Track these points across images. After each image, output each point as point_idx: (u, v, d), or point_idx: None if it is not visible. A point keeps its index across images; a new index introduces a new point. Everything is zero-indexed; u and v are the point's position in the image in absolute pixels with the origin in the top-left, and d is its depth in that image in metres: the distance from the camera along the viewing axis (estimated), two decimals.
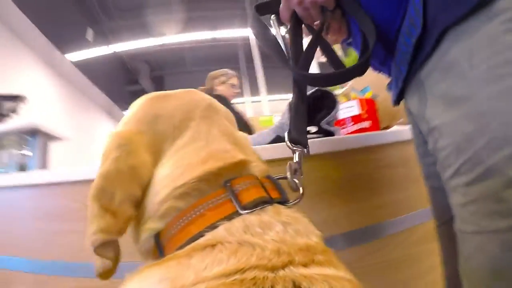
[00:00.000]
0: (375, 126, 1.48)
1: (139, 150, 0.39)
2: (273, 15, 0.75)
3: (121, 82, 9.04)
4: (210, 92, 2.36)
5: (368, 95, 1.69)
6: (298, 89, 0.64)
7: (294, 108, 0.65)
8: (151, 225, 0.37)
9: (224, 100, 2.28)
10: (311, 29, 0.71)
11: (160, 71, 9.16)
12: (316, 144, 0.92)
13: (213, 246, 0.30)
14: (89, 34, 6.95)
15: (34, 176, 1.07)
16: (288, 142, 0.60)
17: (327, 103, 1.06)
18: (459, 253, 0.55)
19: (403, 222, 0.97)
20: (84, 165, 0.99)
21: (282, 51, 0.66)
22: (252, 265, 0.27)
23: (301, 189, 0.48)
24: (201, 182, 0.36)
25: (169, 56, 8.34)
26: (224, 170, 0.38)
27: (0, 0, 5.33)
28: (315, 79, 0.68)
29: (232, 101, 2.42)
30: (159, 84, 9.24)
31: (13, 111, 1.65)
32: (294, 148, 0.59)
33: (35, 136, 1.50)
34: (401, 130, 1.05)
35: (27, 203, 1.07)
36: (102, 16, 6.88)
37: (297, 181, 0.49)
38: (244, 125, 2.06)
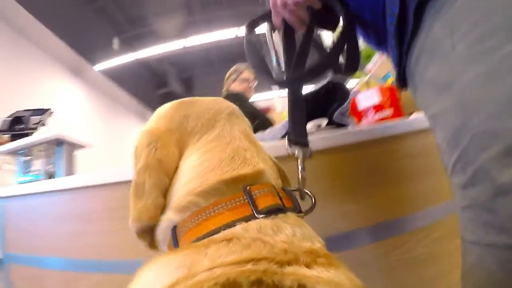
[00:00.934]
0: (398, 114, 1.42)
1: (168, 145, 0.43)
2: (266, 23, 0.75)
3: (150, 86, 9.31)
4: (226, 93, 2.36)
5: (389, 82, 1.63)
6: (291, 91, 0.63)
7: (290, 111, 0.64)
8: (170, 216, 0.39)
9: (237, 97, 2.25)
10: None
11: (188, 72, 9.31)
12: (328, 137, 0.90)
13: (229, 240, 0.32)
14: (115, 43, 7.21)
15: (63, 182, 1.15)
16: (288, 147, 0.60)
17: (340, 95, 1.03)
18: (462, 262, 0.48)
19: (426, 216, 0.92)
20: (109, 170, 1.06)
21: (266, 67, 0.68)
22: (263, 257, 0.29)
23: (313, 199, 0.50)
24: (223, 184, 0.39)
25: (195, 57, 8.44)
26: (245, 177, 0.40)
27: (27, 19, 5.65)
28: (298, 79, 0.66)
29: (250, 97, 2.40)
30: (188, 85, 9.41)
31: (41, 124, 1.79)
32: (296, 151, 0.59)
33: (61, 145, 1.59)
34: (420, 118, 1.00)
35: (58, 207, 1.16)
36: (126, 25, 7.11)
37: (308, 192, 0.51)
38: (263, 121, 2.04)
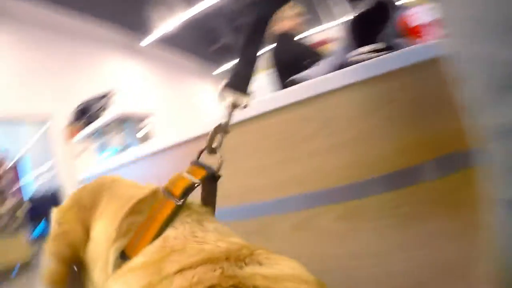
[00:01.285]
0: None
1: (69, 221, 0.49)
2: None
3: (205, 43, 9.35)
4: (274, 34, 2.27)
5: None
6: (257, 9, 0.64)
7: (242, 45, 0.65)
8: (118, 244, 0.42)
9: (282, 39, 2.16)
10: None
11: (239, 20, 9.08)
12: (375, 63, 0.83)
13: (177, 249, 0.37)
14: (160, 9, 7.24)
15: (138, 151, 1.28)
16: (220, 94, 0.63)
17: (385, 15, 0.93)
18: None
19: None
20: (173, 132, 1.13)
21: None
22: (219, 257, 0.33)
23: (219, 156, 0.58)
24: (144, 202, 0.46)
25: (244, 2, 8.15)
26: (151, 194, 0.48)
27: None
28: None
29: (298, 33, 2.29)
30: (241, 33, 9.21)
31: (105, 107, 1.98)
32: (230, 100, 0.62)
33: (126, 121, 1.75)
34: None
35: (136, 173, 1.30)
36: None
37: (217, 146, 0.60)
38: (314, 59, 1.95)
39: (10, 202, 4.51)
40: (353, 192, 0.85)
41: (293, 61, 1.92)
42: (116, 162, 1.38)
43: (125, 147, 1.84)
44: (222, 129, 0.63)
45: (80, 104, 2.16)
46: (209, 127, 0.60)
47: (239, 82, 0.67)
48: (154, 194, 0.47)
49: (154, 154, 1.22)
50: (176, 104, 8.46)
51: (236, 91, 0.66)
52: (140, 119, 1.78)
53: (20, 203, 4.67)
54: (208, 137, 0.61)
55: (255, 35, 0.71)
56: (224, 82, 0.66)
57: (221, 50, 10.01)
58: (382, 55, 0.85)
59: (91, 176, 1.61)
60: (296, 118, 0.91)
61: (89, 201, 0.51)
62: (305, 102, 0.89)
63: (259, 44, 0.71)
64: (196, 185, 0.48)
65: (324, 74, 0.91)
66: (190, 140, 1.08)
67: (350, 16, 1.03)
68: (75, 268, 0.48)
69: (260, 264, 0.33)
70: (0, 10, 5.36)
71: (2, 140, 5.68)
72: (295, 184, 0.92)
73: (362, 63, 0.84)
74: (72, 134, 1.95)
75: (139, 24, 7.27)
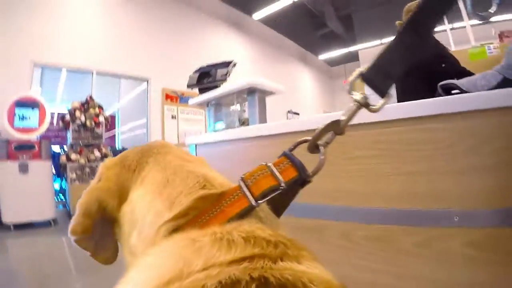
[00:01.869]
0: None
1: (108, 179, 0.49)
2: None
3: (310, 28, 9.27)
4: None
5: None
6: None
7: (403, 25, 0.50)
8: (173, 223, 0.40)
9: None
10: None
11: (346, 10, 8.76)
12: None
13: (219, 239, 0.34)
14: None
15: (253, 129, 1.30)
16: (351, 84, 0.49)
17: None
18: None
19: None
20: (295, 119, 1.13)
21: None
22: (255, 254, 0.31)
23: (321, 156, 0.47)
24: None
25: None
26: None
27: None
28: None
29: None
30: (347, 22, 8.94)
31: (227, 75, 1.98)
32: (355, 98, 0.48)
33: (253, 93, 1.71)
34: None
35: (249, 153, 1.33)
36: None
37: (322, 148, 0.48)
38: (452, 62, 1.74)
39: (103, 149, 5.15)
40: (498, 219, 0.77)
41: (432, 62, 1.75)
42: (227, 136, 1.43)
43: (243, 121, 1.84)
44: (338, 128, 0.50)
45: (198, 70, 2.16)
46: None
47: (380, 77, 0.52)
48: (221, 194, 0.42)
49: (272, 136, 1.24)
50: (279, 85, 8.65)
51: (372, 87, 0.51)
52: (267, 94, 1.72)
53: (110, 152, 5.28)
54: (317, 131, 0.48)
55: (430, 12, 0.53)
56: (359, 70, 0.52)
57: (326, 37, 9.77)
58: None
59: (198, 143, 1.69)
60: (452, 129, 0.84)
61: (134, 162, 0.50)
62: (466, 114, 0.82)
63: (424, 35, 0.53)
64: (281, 188, 0.41)
65: (488, 88, 0.82)
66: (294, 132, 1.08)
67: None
68: (105, 224, 0.49)
69: (298, 262, 0.31)
70: None
71: (105, 91, 6.34)
72: (432, 198, 0.86)
73: None
74: (168, 97, 2.03)
75: (247, 2, 7.46)
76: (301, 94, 10.34)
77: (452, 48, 3.15)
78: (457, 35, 3.85)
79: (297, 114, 9.79)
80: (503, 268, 0.76)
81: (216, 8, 7.63)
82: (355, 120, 0.93)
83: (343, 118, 0.49)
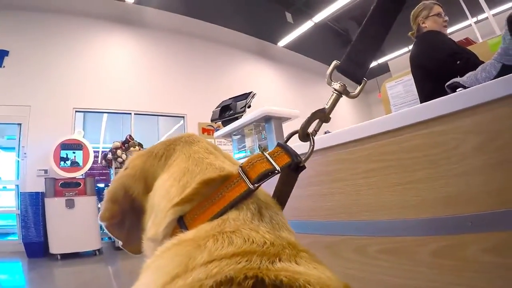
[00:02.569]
0: None
1: (135, 167, 0.51)
2: None
3: (335, 47, 9.30)
4: (419, 32, 2.10)
5: None
6: None
7: (362, 28, 0.54)
8: (179, 208, 0.42)
9: (434, 35, 1.96)
10: None
11: None
12: None
13: (220, 233, 0.36)
14: (288, 17, 7.56)
15: None
16: (328, 76, 0.54)
17: None
18: None
19: None
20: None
21: None
22: (254, 251, 0.33)
23: (310, 143, 0.52)
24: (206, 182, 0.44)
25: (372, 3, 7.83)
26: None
27: (216, 30, 7.15)
28: None
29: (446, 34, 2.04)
30: None
31: (247, 106, 2.08)
32: (334, 87, 0.53)
33: (269, 121, 1.79)
34: None
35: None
36: None
37: (311, 138, 0.53)
38: (467, 58, 1.68)
39: None
40: (510, 221, 0.71)
41: (445, 62, 1.71)
42: None
43: (263, 148, 1.88)
44: (323, 115, 0.56)
45: (220, 104, 2.32)
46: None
47: (353, 66, 0.58)
48: (231, 173, 0.45)
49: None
50: (308, 107, 8.66)
51: (347, 76, 0.58)
52: (283, 120, 1.80)
53: None
54: (305, 120, 0.54)
55: (385, 7, 0.59)
56: (335, 63, 0.59)
57: None
58: None
59: None
60: (456, 130, 0.81)
61: (162, 150, 0.52)
62: (467, 111, 0.79)
63: (388, 22, 0.59)
64: (276, 172, 0.44)
65: (489, 79, 0.79)
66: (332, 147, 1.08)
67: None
68: (135, 213, 0.50)
69: (297, 263, 0.32)
70: (138, 21, 6.64)
71: (144, 130, 6.75)
72: (443, 205, 0.82)
73: None
74: (205, 131, 2.15)
75: (270, 32, 7.72)
76: (336, 113, 10.23)
77: (480, 41, 3.01)
78: (482, 27, 3.72)
79: None
80: None
81: (243, 41, 7.98)
82: (361, 134, 0.94)
83: (327, 107, 0.56)
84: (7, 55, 5.15)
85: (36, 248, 4.39)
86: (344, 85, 0.57)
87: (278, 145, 0.49)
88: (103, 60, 6.21)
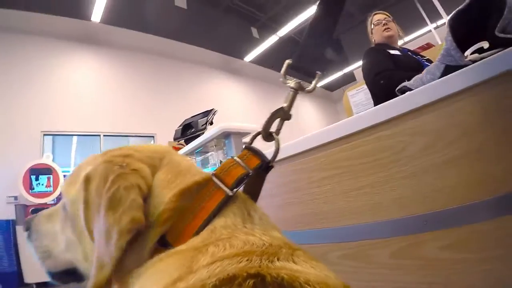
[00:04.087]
0: None
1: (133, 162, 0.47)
2: None
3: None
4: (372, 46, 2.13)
5: None
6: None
7: (310, 25, 0.55)
8: (158, 229, 0.40)
9: (368, 54, 1.98)
10: None
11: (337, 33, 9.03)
12: (492, 63, 0.70)
13: (218, 240, 0.36)
14: (254, 32, 7.70)
15: None
16: (283, 76, 0.55)
17: (497, 4, 0.78)
18: None
19: None
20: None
21: None
22: (253, 251, 0.33)
23: (276, 143, 0.54)
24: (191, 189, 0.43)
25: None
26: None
27: (183, 48, 7.11)
28: None
29: (392, 41, 2.04)
30: (337, 46, 9.12)
31: (209, 123, 2.09)
32: (289, 83, 0.55)
33: (228, 137, 1.80)
34: None
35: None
36: (258, 13, 7.46)
37: (274, 133, 0.55)
38: (412, 66, 1.73)
39: None
40: (465, 216, 0.73)
41: (373, 82, 1.79)
42: None
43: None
44: (282, 113, 0.57)
45: (182, 123, 2.34)
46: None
47: (305, 63, 0.60)
48: (205, 180, 0.44)
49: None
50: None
51: (301, 72, 0.60)
52: (243, 134, 1.82)
53: None
54: (266, 120, 0.56)
55: (328, 7, 0.61)
56: (287, 62, 0.60)
57: None
58: (490, 55, 0.72)
59: None
60: (402, 132, 0.82)
61: (148, 157, 0.49)
62: (412, 113, 0.81)
63: (332, 19, 0.61)
64: (250, 175, 0.45)
65: (434, 80, 0.81)
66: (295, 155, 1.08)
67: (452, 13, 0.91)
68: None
69: (294, 263, 0.33)
70: (104, 40, 6.56)
71: None
72: (397, 207, 0.83)
73: (470, 66, 0.73)
74: (176, 149, 2.14)
75: (236, 46, 7.81)
76: (306, 124, 10.42)
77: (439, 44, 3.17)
78: (441, 31, 3.92)
79: None
80: (483, 267, 0.70)
81: (210, 58, 8.00)
82: (314, 143, 0.94)
83: (285, 105, 0.58)
84: None
85: (10, 278, 4.16)
86: (299, 82, 0.58)
87: (246, 148, 0.50)
88: (70, 81, 6.05)
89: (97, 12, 5.82)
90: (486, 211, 0.70)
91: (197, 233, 0.38)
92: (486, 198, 0.70)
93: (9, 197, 4.70)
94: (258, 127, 1.62)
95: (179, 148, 2.24)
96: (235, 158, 0.48)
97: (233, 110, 7.47)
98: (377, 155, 0.86)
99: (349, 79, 9.92)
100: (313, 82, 0.60)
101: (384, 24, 2.03)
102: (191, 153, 2.19)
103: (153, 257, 0.38)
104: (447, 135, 0.75)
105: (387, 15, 2.10)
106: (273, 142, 0.56)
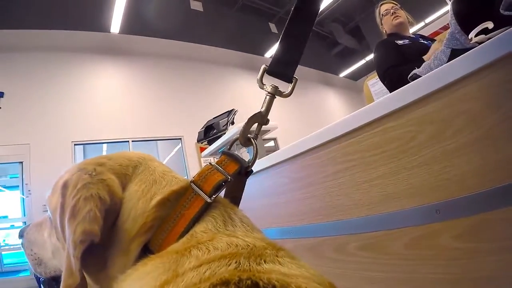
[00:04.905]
0: None
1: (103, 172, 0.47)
2: None
3: (323, 50, 9.39)
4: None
5: None
6: None
7: (285, 29, 0.55)
8: (141, 239, 0.41)
9: (379, 47, 1.96)
10: None
11: (353, 22, 8.86)
12: (494, 44, 0.68)
13: (200, 243, 0.36)
14: (273, 27, 7.68)
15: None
16: (259, 81, 0.56)
17: None
18: None
19: None
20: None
21: None
22: (239, 253, 0.34)
23: (253, 147, 0.55)
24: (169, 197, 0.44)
25: (354, 3, 7.94)
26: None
27: (209, 51, 7.15)
28: None
29: (402, 30, 1.99)
30: (358, 34, 9.00)
31: (230, 123, 2.14)
32: (266, 90, 0.55)
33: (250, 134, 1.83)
34: None
35: (256, 185, 1.37)
36: (275, 8, 7.43)
37: (253, 142, 0.56)
38: (422, 54, 1.69)
39: None
40: (477, 205, 0.72)
41: (383, 76, 1.77)
42: None
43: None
44: (260, 118, 0.58)
45: (207, 123, 2.39)
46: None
47: (280, 68, 0.60)
48: (183, 188, 0.45)
49: (269, 168, 1.28)
50: (304, 115, 8.69)
51: (277, 77, 0.60)
52: (263, 132, 1.84)
53: None
54: (243, 126, 0.57)
55: (302, 10, 0.60)
56: (263, 67, 0.60)
57: (342, 54, 9.83)
58: (496, 35, 0.70)
59: None
60: (410, 122, 0.82)
61: (120, 166, 0.49)
62: (418, 102, 0.80)
63: (306, 23, 0.61)
64: (228, 180, 0.45)
65: (441, 65, 0.80)
66: (300, 154, 1.10)
67: None
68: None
69: (280, 264, 0.32)
70: (125, 49, 6.76)
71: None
72: (409, 197, 0.83)
73: (475, 48, 0.71)
74: (202, 150, 2.19)
75: (256, 43, 7.81)
76: (332, 115, 10.28)
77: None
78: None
79: None
80: (496, 256, 0.70)
81: (231, 57, 8.08)
82: (324, 138, 0.96)
83: (262, 110, 0.59)
84: (2, 96, 5.25)
85: (49, 282, 4.36)
86: (276, 86, 0.60)
87: (224, 153, 0.51)
88: (96, 91, 6.30)
89: (116, 24, 6.06)
90: (498, 199, 0.68)
91: (178, 240, 0.39)
92: (497, 185, 0.68)
93: (44, 205, 4.93)
94: (276, 124, 1.65)
95: (205, 149, 2.30)
96: (213, 164, 0.48)
97: (256, 108, 7.52)
98: (386, 147, 0.87)
99: (373, 67, 9.69)
100: (290, 87, 0.62)
101: (392, 13, 2.00)
102: (214, 153, 2.24)
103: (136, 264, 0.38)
104: (455, 122, 0.74)
105: (394, 3, 2.06)
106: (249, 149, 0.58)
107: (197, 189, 0.44)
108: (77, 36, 6.04)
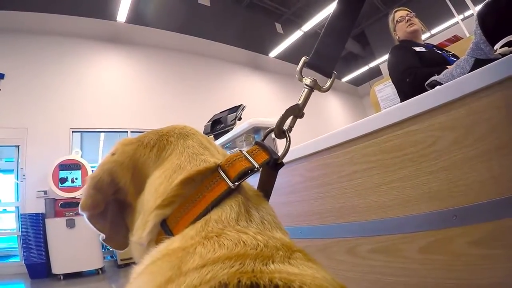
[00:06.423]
0: None
1: (123, 153, 0.49)
2: None
3: None
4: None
5: None
6: None
7: (329, 23, 0.54)
8: (160, 212, 0.42)
9: (395, 51, 1.96)
10: None
11: (358, 27, 8.90)
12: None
13: (209, 238, 0.36)
14: (278, 28, 7.68)
15: None
16: (299, 73, 0.55)
17: None
18: None
19: None
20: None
21: None
22: (247, 253, 0.33)
23: (286, 140, 0.54)
24: (195, 177, 0.44)
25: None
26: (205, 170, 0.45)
27: (211, 46, 7.19)
28: None
29: (416, 37, 2.01)
30: (362, 38, 9.05)
31: (237, 119, 2.12)
32: (305, 82, 0.54)
33: (258, 131, 1.85)
34: None
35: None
36: (282, 8, 7.43)
37: (287, 135, 0.54)
38: (438, 62, 1.70)
39: None
40: (495, 212, 0.73)
41: (399, 79, 1.78)
42: None
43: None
44: (297, 111, 0.58)
45: (211, 118, 2.38)
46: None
47: (321, 61, 0.59)
48: (209, 170, 0.44)
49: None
50: (303, 118, 8.72)
51: (317, 71, 0.60)
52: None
53: None
54: (279, 118, 0.56)
55: (348, 5, 0.60)
56: (304, 59, 0.60)
57: (345, 59, 9.86)
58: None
59: None
60: (432, 127, 0.83)
61: (153, 141, 0.50)
62: (441, 108, 0.81)
63: (351, 17, 0.60)
64: (255, 169, 0.44)
65: (464, 74, 0.81)
66: (316, 153, 1.10)
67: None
68: (118, 205, 0.49)
69: (290, 264, 0.32)
70: (130, 39, 6.74)
71: None
72: (426, 201, 0.84)
73: (500, 59, 0.72)
74: None
75: (261, 42, 7.81)
76: (332, 119, 10.31)
77: (467, 36, 3.05)
78: (469, 23, 3.78)
79: None
80: (510, 264, 0.70)
81: (236, 54, 8.08)
82: (345, 137, 0.96)
83: (300, 102, 0.59)
84: (2, 78, 5.20)
85: (39, 269, 4.37)
86: (315, 80, 0.59)
87: (256, 143, 0.50)
88: (98, 80, 6.27)
89: (122, 13, 6.01)
90: None
91: (194, 221, 0.39)
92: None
93: (39, 191, 4.94)
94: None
95: None
96: (243, 151, 0.47)
97: (258, 106, 7.49)
98: (407, 150, 0.87)
99: (375, 73, 9.75)
100: (329, 81, 0.61)
101: (407, 20, 2.01)
102: (221, 147, 2.23)
103: (158, 240, 0.40)
104: (476, 130, 0.75)
105: (408, 11, 2.08)
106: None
107: (222, 173, 0.43)
108: (83, 23, 5.99)
